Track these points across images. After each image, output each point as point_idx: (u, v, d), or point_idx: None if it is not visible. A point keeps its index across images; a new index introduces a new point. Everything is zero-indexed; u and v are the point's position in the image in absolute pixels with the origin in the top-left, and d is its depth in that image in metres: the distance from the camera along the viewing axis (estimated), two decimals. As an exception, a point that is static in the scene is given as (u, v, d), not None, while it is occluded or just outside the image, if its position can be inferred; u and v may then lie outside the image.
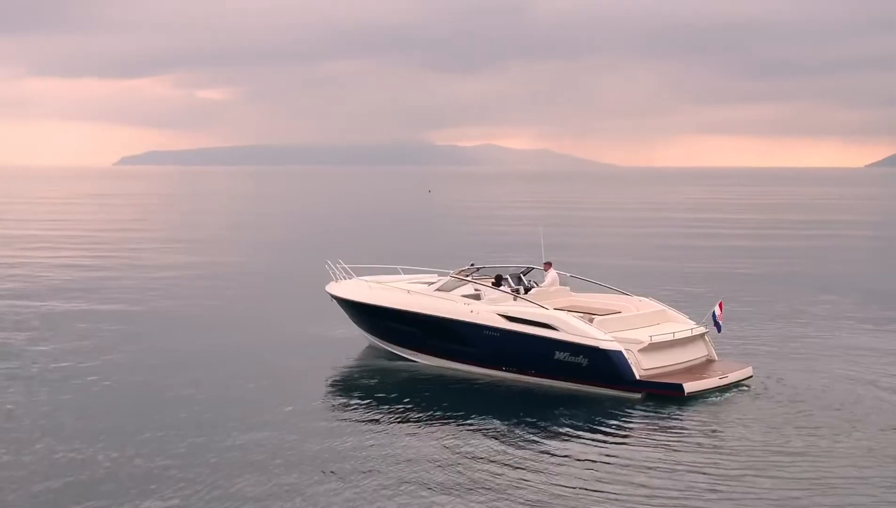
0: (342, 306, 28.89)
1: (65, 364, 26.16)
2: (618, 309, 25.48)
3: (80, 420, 20.82)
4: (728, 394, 22.69)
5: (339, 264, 29.40)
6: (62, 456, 18.31)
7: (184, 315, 35.04)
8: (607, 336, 23.20)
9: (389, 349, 27.58)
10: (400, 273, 29.44)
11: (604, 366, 22.89)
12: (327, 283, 29.60)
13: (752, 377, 23.59)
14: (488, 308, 25.03)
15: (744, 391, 22.98)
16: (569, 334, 23.45)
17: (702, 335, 24.53)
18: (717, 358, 24.60)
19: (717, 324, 24.70)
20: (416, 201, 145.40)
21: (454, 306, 25.55)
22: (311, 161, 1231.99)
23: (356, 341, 29.18)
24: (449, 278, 26.93)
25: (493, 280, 26.44)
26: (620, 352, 22.81)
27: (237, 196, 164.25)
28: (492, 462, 18.09)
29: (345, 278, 29.17)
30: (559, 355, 23.51)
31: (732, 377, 23.31)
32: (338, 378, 25.98)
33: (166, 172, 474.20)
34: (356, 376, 26.32)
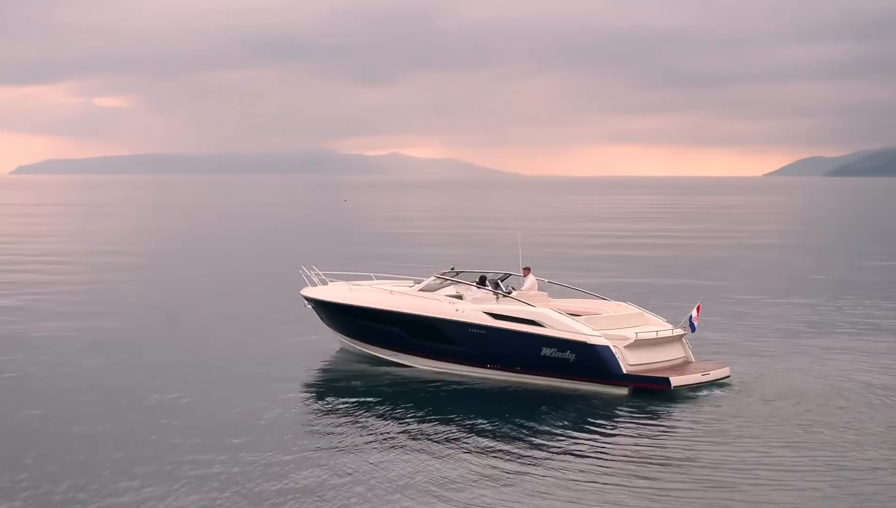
0: (319, 310, 29.12)
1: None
2: (598, 311, 26.21)
3: (79, 427, 20.79)
4: (712, 390, 23.54)
5: (314, 269, 29.65)
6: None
7: (146, 329, 34.72)
8: (595, 332, 23.95)
9: (370, 351, 27.88)
10: (373, 279, 29.71)
11: (592, 361, 23.58)
12: (301, 289, 29.83)
13: (729, 376, 24.45)
14: (474, 307, 25.57)
15: (725, 388, 23.82)
16: (556, 330, 24.13)
17: (680, 337, 25.37)
18: (693, 359, 25.43)
19: (692, 325, 25.54)
20: (336, 209, 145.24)
21: (439, 305, 26.05)
22: (216, 170, 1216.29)
23: (330, 345, 29.48)
24: (433, 278, 27.38)
25: (478, 281, 27.00)
26: (608, 347, 23.54)
27: (161, 206, 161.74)
28: (485, 461, 18.43)
29: (320, 283, 29.44)
30: (546, 351, 24.15)
31: (713, 374, 24.17)
32: (318, 383, 26.09)
33: (66, 182, 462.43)
34: (338, 379, 26.40)
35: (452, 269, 28.33)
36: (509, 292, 26.93)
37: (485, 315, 25.16)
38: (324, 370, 27.53)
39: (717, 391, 23.60)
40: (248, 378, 25.63)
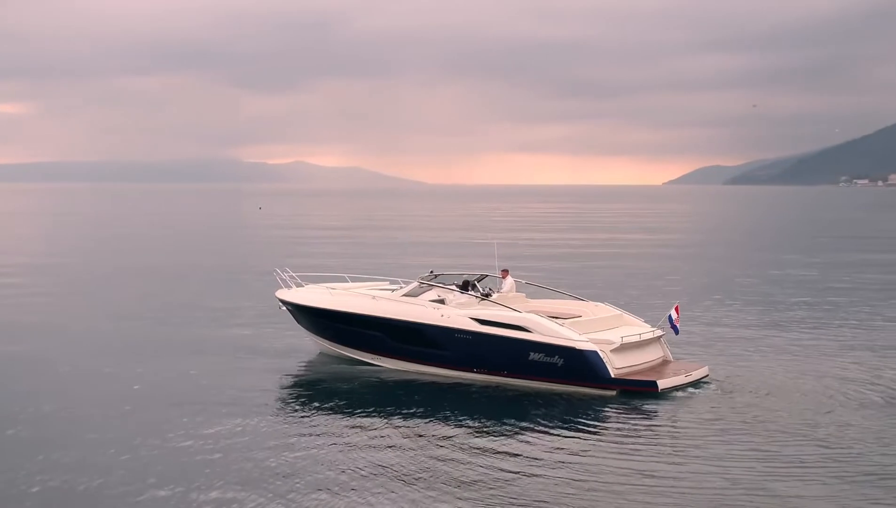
0: (297, 312, 29.11)
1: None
2: (578, 313, 26.69)
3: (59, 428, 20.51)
4: (696, 390, 24.19)
5: (287, 272, 29.66)
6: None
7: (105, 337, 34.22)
8: (583, 337, 24.37)
9: (351, 355, 27.94)
10: (347, 281, 29.79)
11: (580, 365, 24.03)
12: (276, 291, 29.88)
13: (708, 375, 25.14)
14: (459, 312, 25.81)
15: (707, 387, 24.48)
16: (543, 335, 24.49)
17: (659, 338, 26.00)
18: (672, 359, 26.09)
19: (673, 327, 26.20)
20: (254, 217, 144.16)
21: (424, 310, 26.23)
22: (116, 178, 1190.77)
23: (307, 349, 29.51)
24: (416, 283, 27.57)
25: (461, 285, 27.28)
26: (596, 352, 24.02)
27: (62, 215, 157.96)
28: (478, 461, 18.56)
29: (295, 286, 29.45)
30: (534, 355, 24.51)
31: (695, 375, 24.82)
32: (301, 388, 25.89)
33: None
34: (322, 383, 26.11)
35: (431, 272, 28.57)
36: (488, 294, 27.28)
37: (470, 320, 25.41)
38: (307, 374, 27.38)
39: (699, 391, 24.20)
40: (227, 379, 25.53)
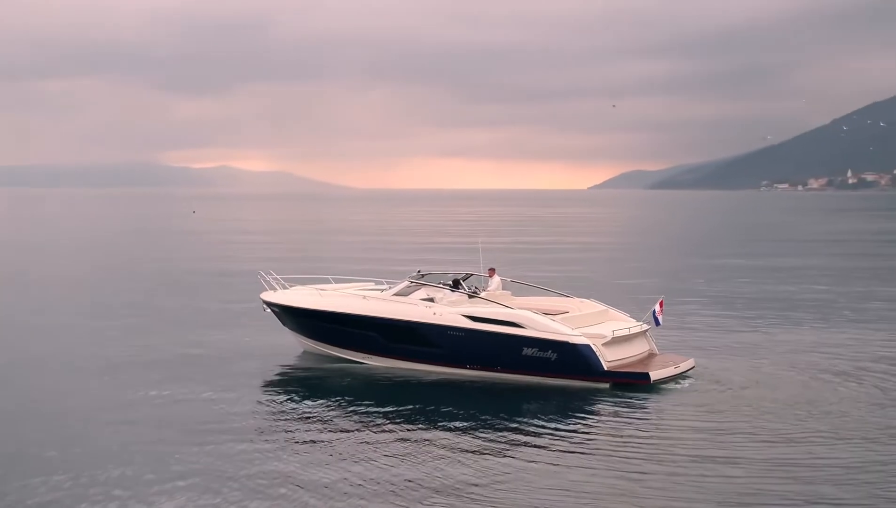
0: (285, 314, 29.32)
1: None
2: (564, 309, 27.34)
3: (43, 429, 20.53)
4: (685, 382, 24.99)
5: (271, 274, 29.90)
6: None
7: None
8: (576, 332, 25.04)
9: (341, 354, 28.24)
10: (331, 283, 30.08)
11: (574, 359, 24.70)
12: (261, 293, 30.12)
13: (694, 367, 25.96)
14: (451, 310, 26.31)
15: (693, 379, 25.28)
16: (537, 330, 25.10)
17: (645, 332, 26.78)
18: (657, 352, 26.87)
19: (656, 320, 27.02)
20: (191, 221, 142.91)
21: (417, 309, 26.67)
22: (37, 183, 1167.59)
23: (290, 349, 29.74)
24: (406, 283, 27.98)
25: (451, 284, 27.79)
26: (590, 345, 24.71)
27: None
28: (477, 457, 18.85)
29: (280, 288, 29.68)
30: (527, 351, 25.12)
31: (682, 367, 25.60)
32: (290, 388, 25.74)
33: None
34: (311, 384, 26.19)
35: (419, 272, 29.00)
36: (475, 293, 27.78)
37: (463, 318, 25.90)
38: (294, 374, 27.57)
39: (687, 382, 25.02)
40: (214, 382, 25.62)
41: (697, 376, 25.53)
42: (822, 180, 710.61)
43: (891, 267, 63.78)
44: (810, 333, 33.03)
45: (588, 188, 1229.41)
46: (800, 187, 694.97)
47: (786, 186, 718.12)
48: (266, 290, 30.05)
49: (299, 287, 29.70)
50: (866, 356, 28.39)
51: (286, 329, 30.07)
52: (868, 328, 34.28)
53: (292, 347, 29.89)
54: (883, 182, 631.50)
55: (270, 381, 26.45)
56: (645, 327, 26.73)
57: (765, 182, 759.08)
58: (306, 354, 29.37)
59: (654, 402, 23.40)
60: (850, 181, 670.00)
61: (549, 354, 24.93)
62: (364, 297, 27.91)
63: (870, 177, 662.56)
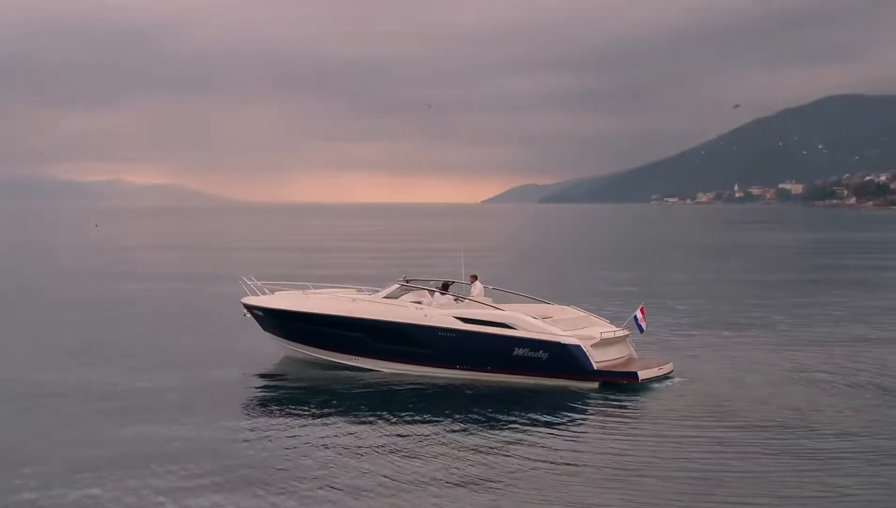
0: (270, 317, 29.56)
1: None
2: (548, 314, 28.12)
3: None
4: (669, 382, 26.06)
5: (252, 279, 30.17)
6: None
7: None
8: (567, 332, 25.95)
9: (329, 357, 28.59)
10: (310, 288, 30.40)
11: (565, 359, 25.58)
12: (242, 298, 30.38)
13: (673, 370, 27.03)
14: (443, 312, 27.00)
15: (674, 380, 26.31)
16: (528, 331, 25.94)
17: (625, 337, 27.79)
18: (636, 356, 27.87)
19: (639, 326, 28.00)
20: (95, 234, 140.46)
21: (409, 311, 27.31)
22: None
23: (272, 353, 30.04)
24: (396, 286, 28.56)
25: (441, 287, 28.51)
26: (580, 346, 25.63)
27: None
28: (473, 454, 19.36)
29: (261, 293, 29.95)
30: (518, 351, 25.92)
31: (664, 369, 26.65)
32: (278, 392, 26.08)
33: None
34: (300, 387, 26.39)
35: (404, 277, 29.58)
36: (461, 298, 28.50)
37: (454, 319, 26.58)
38: (282, 379, 27.76)
39: (671, 382, 26.02)
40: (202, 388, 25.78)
41: (675, 377, 26.53)
42: (711, 194, 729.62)
43: (786, 278, 66.39)
44: (764, 334, 34.62)
45: (481, 202, 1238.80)
46: (688, 201, 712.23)
47: (675, 199, 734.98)
48: (247, 295, 30.23)
49: (284, 291, 30.01)
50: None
51: (267, 334, 30.25)
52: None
53: (272, 351, 30.16)
54: (768, 196, 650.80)
55: (257, 386, 26.77)
56: (626, 332, 27.74)
57: (655, 196, 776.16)
58: (288, 358, 29.65)
59: (641, 400, 24.40)
60: (738, 195, 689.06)
61: (540, 354, 25.75)
62: (354, 300, 28.37)
63: (756, 191, 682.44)
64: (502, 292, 30.53)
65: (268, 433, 21.07)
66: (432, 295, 28.47)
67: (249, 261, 71.38)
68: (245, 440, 20.53)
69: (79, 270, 68.15)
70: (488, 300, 28.89)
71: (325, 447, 19.93)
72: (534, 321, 26.33)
